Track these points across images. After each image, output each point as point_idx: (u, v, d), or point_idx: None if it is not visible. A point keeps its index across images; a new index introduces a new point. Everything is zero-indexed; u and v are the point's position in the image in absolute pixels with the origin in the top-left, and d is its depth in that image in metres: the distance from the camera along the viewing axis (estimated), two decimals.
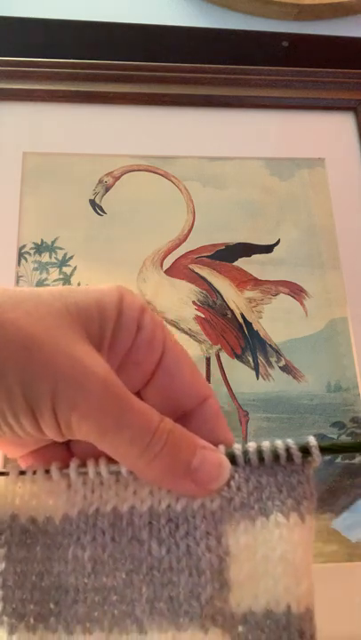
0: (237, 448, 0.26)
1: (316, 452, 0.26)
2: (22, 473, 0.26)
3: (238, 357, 0.63)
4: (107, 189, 0.68)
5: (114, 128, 0.71)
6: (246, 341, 0.64)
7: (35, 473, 0.26)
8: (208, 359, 0.62)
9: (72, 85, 0.71)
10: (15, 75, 0.70)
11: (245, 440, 0.60)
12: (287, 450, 0.26)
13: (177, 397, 0.27)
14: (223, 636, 0.24)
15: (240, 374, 0.62)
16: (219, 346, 0.63)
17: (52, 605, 0.25)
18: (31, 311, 0.23)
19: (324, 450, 0.26)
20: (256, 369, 0.63)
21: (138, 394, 0.27)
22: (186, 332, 0.63)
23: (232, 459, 0.26)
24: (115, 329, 0.25)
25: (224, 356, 0.63)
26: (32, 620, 0.25)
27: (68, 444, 0.28)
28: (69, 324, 0.23)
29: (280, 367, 0.63)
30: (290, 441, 0.26)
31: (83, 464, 0.26)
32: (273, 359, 0.63)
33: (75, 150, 0.69)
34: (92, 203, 0.68)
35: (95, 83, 0.71)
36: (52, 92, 0.70)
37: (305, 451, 0.26)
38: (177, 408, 0.27)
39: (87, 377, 0.23)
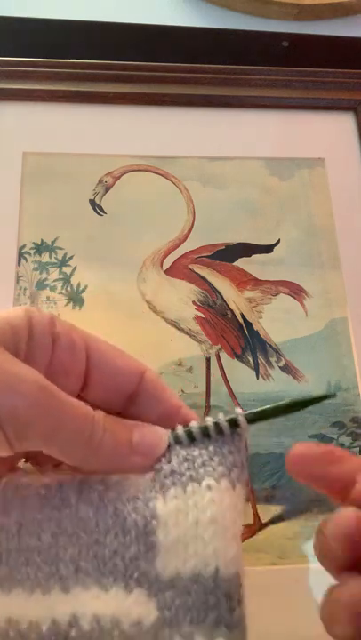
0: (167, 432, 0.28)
1: (242, 419, 0.27)
2: None
3: (238, 357, 0.63)
4: (107, 189, 0.68)
5: (114, 128, 0.71)
6: (246, 341, 0.64)
7: None
8: (208, 359, 0.62)
9: (72, 85, 0.71)
10: (15, 75, 0.70)
11: (245, 442, 0.60)
12: (216, 424, 0.27)
13: (116, 386, 0.28)
14: (149, 600, 0.24)
15: (240, 374, 0.62)
16: (219, 346, 0.63)
17: None
18: None
19: (250, 419, 0.27)
20: (256, 369, 0.63)
21: (80, 398, 0.28)
22: (186, 332, 0.63)
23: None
24: (28, 344, 0.26)
25: (224, 356, 0.63)
26: None
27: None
28: None
29: (280, 367, 0.63)
30: (220, 415, 0.27)
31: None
32: (273, 359, 0.63)
33: (75, 150, 0.69)
34: (92, 203, 0.68)
35: (95, 83, 0.71)
36: (52, 92, 0.70)
37: (234, 423, 0.27)
38: (121, 395, 0.28)
39: (19, 381, 0.24)
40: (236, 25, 0.79)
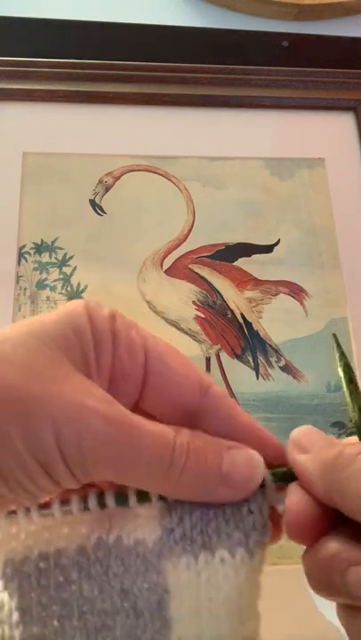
0: None
1: (268, 479, 0.24)
2: None
3: (238, 357, 0.63)
4: (107, 189, 0.68)
5: (114, 128, 0.71)
6: (246, 341, 0.64)
7: None
8: (208, 359, 0.62)
9: (72, 85, 0.71)
10: (15, 75, 0.70)
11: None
12: None
13: (177, 396, 0.25)
14: None
15: (240, 374, 0.62)
16: (219, 346, 0.63)
17: None
18: (10, 358, 0.21)
19: (278, 477, 0.24)
20: (256, 369, 0.62)
21: (136, 406, 0.25)
22: (186, 332, 0.63)
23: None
24: (95, 347, 0.23)
25: (224, 356, 0.63)
26: None
27: None
28: (52, 360, 0.22)
29: (280, 367, 0.63)
30: None
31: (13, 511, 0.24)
32: (273, 359, 0.63)
33: (75, 150, 0.69)
34: (92, 203, 0.68)
35: (95, 83, 0.71)
36: (52, 92, 0.70)
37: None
38: (180, 407, 0.25)
39: (86, 411, 0.21)
40: (236, 25, 0.79)
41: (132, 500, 0.24)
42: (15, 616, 0.22)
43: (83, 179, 0.68)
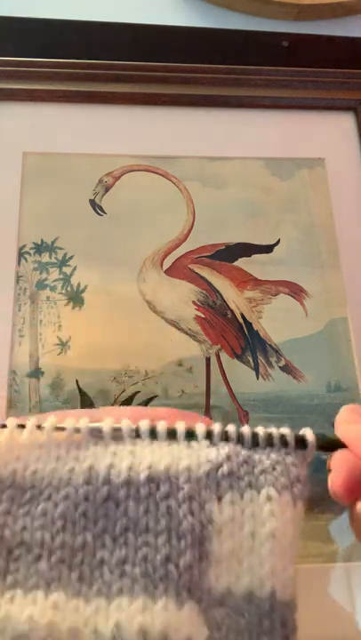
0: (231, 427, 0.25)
1: (311, 439, 0.25)
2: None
3: (238, 357, 0.63)
4: (107, 189, 0.68)
5: (114, 128, 0.71)
6: (246, 341, 0.64)
7: (4, 426, 0.24)
8: (208, 359, 0.62)
9: (72, 85, 0.71)
10: (15, 75, 0.70)
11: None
12: (282, 437, 0.25)
13: None
14: (199, 616, 0.21)
15: (240, 374, 0.62)
16: (219, 346, 0.63)
17: (10, 563, 0.22)
18: None
19: (322, 444, 0.25)
20: (256, 369, 0.63)
21: None
22: (186, 332, 0.63)
23: (225, 436, 0.25)
24: None
25: (224, 356, 0.63)
26: None
27: None
28: None
29: (280, 367, 0.63)
30: (283, 429, 0.25)
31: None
32: (273, 359, 0.63)
33: (75, 150, 0.69)
34: (92, 203, 0.68)
35: (95, 83, 0.71)
36: (52, 92, 0.70)
37: (301, 441, 0.25)
38: None
39: None
40: (236, 25, 0.79)
41: (181, 435, 0.24)
42: (58, 523, 0.23)
43: (83, 179, 0.68)
